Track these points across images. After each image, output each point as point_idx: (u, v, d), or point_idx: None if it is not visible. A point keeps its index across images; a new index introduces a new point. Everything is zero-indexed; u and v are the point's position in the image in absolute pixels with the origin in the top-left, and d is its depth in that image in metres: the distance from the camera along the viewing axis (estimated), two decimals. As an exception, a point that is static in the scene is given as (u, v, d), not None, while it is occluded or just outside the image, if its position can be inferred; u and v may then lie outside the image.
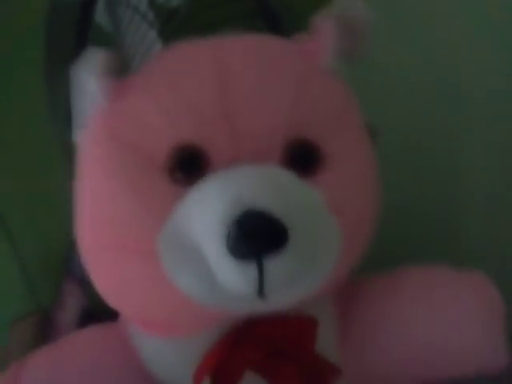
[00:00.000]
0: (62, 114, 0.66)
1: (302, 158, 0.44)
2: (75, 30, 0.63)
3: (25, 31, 0.80)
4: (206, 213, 0.40)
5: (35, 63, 0.68)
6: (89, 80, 0.45)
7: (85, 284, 0.79)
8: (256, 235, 0.38)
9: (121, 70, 0.46)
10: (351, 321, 0.51)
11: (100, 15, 0.62)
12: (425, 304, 0.51)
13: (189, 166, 0.43)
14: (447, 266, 0.53)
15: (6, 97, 0.85)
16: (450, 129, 0.77)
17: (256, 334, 0.46)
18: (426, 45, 0.77)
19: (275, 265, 0.39)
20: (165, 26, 0.57)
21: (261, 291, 0.40)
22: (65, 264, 0.85)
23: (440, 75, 0.77)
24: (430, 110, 0.78)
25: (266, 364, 0.46)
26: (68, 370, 0.50)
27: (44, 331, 0.84)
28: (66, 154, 0.68)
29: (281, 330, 0.46)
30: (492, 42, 0.71)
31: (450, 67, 0.76)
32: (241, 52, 0.46)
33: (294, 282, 0.41)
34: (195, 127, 0.43)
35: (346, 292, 0.51)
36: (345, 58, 0.48)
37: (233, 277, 0.40)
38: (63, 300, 0.83)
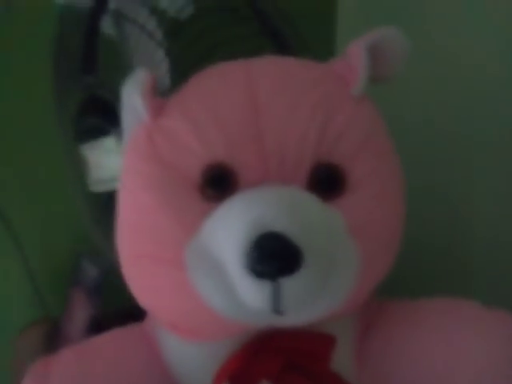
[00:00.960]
0: (70, 126, 0.67)
1: (327, 182, 0.45)
2: (83, 43, 0.64)
3: (26, 33, 0.81)
4: (229, 231, 0.42)
5: (37, 66, 0.68)
6: (134, 97, 0.47)
7: (93, 294, 0.80)
8: (273, 257, 0.40)
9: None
10: (371, 342, 0.51)
11: (109, 29, 0.62)
12: (446, 342, 0.50)
13: (219, 184, 0.45)
14: (477, 302, 0.52)
15: (17, 110, 0.86)
16: (452, 134, 0.77)
17: (275, 346, 0.47)
18: (425, 47, 0.77)
19: (289, 285, 0.40)
20: (172, 46, 0.57)
21: (276, 309, 0.41)
22: (73, 274, 0.86)
23: (440, 78, 0.77)
24: (433, 114, 0.78)
25: (281, 376, 0.47)
26: (95, 367, 0.52)
27: (52, 340, 0.85)
28: (74, 165, 0.69)
29: (298, 344, 0.47)
30: (492, 42, 0.71)
31: (451, 70, 0.75)
32: (273, 75, 0.47)
33: (309, 301, 0.43)
34: (226, 148, 0.45)
35: (370, 312, 0.52)
36: (374, 81, 0.49)
37: (250, 294, 0.41)
38: (71, 310, 0.84)
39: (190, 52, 0.57)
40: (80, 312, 0.82)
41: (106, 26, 0.63)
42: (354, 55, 0.48)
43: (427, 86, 0.78)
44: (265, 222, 0.41)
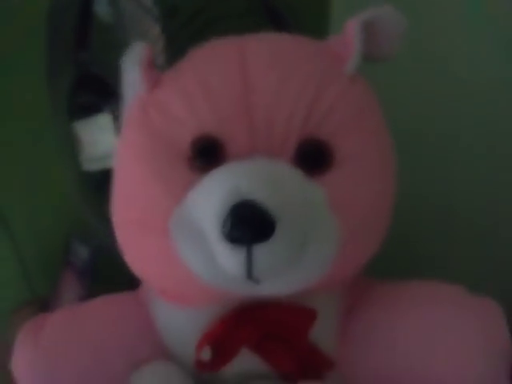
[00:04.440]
0: (63, 104, 0.67)
1: (313, 157, 0.46)
2: (76, 22, 0.63)
3: (25, 31, 0.81)
4: (208, 199, 0.44)
5: (35, 62, 0.68)
6: (132, 70, 0.49)
7: (83, 275, 0.80)
8: (245, 223, 0.42)
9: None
10: (355, 321, 0.52)
11: (102, 7, 0.62)
12: (421, 325, 0.50)
13: (206, 155, 0.46)
14: (463, 287, 0.52)
15: (6, 99, 0.86)
16: (449, 128, 0.78)
17: (255, 316, 0.49)
18: (425, 44, 0.77)
19: (262, 251, 0.42)
20: (169, 22, 0.57)
21: (249, 275, 0.43)
22: (63, 255, 0.86)
23: (438, 75, 0.77)
24: (429, 108, 0.78)
25: (261, 344, 0.49)
26: (88, 326, 0.54)
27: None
28: (67, 144, 0.69)
29: (278, 315, 0.49)
30: (491, 40, 0.72)
31: (449, 66, 0.76)
32: (266, 51, 0.48)
33: (282, 270, 0.44)
34: (216, 121, 0.46)
35: (357, 291, 0.53)
36: (370, 60, 0.49)
37: (226, 259, 0.43)
38: (61, 291, 0.84)
39: (185, 28, 0.57)
40: (70, 293, 0.82)
41: (100, 4, 0.63)
42: (349, 32, 0.48)
43: (421, 80, 0.78)
44: (240, 191, 0.42)
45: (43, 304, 0.87)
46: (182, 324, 0.52)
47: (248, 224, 0.41)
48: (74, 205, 0.72)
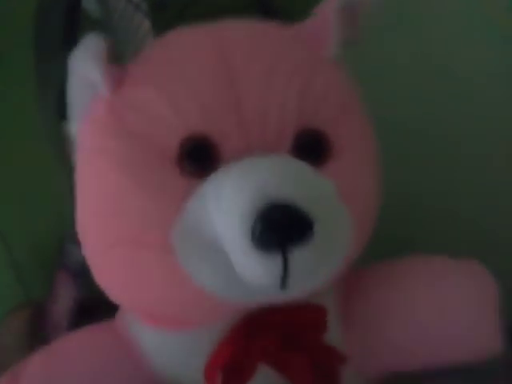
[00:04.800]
0: (54, 103, 0.66)
1: (312, 148, 0.43)
2: (64, 19, 0.63)
3: (24, 31, 0.80)
4: (226, 206, 0.39)
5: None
6: (90, 68, 0.42)
7: (78, 277, 0.79)
8: (282, 228, 0.37)
9: (115, 58, 0.44)
10: (354, 309, 0.51)
11: (91, 4, 0.61)
12: (427, 293, 0.51)
13: (199, 157, 0.41)
14: (446, 256, 0.54)
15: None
16: (449, 123, 0.77)
17: (267, 323, 0.45)
18: (424, 38, 0.76)
19: (300, 257, 0.38)
20: (158, 17, 0.56)
21: (284, 283, 0.39)
22: (56, 256, 0.85)
23: (439, 67, 0.77)
24: (429, 103, 0.77)
25: (278, 356, 0.45)
26: (65, 376, 0.49)
27: (37, 323, 0.84)
28: (56, 146, 0.68)
29: (292, 318, 0.45)
30: (491, 39, 0.71)
31: (448, 60, 0.75)
32: (245, 38, 0.45)
33: (314, 273, 0.41)
34: (204, 118, 0.41)
35: (347, 280, 0.51)
36: (345, 42, 0.46)
37: (257, 270, 0.38)
38: (56, 292, 0.83)
39: (175, 23, 0.56)
40: (64, 295, 0.81)
41: (88, 0, 0.62)
42: (326, 16, 0.46)
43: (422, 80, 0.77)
44: (269, 192, 0.38)
45: (37, 306, 0.86)
46: (177, 349, 0.47)
47: (284, 228, 0.37)
48: (67, 206, 0.71)
